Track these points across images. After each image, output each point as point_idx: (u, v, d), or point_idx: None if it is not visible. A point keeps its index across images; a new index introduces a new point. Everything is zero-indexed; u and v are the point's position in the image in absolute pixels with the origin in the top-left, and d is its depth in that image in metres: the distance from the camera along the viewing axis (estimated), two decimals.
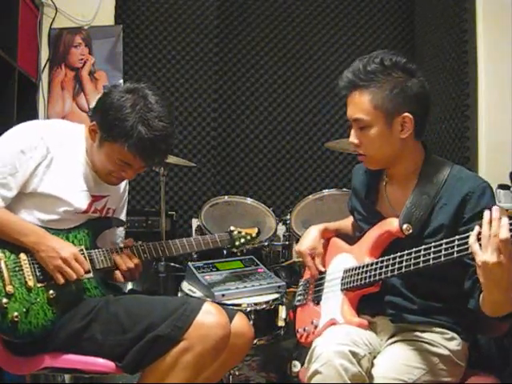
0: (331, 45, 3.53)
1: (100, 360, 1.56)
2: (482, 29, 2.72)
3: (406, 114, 1.45)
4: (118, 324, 1.55)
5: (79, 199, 1.68)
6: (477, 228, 1.20)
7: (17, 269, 1.54)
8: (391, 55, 1.47)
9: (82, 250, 1.65)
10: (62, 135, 1.70)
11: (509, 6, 2.66)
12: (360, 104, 1.46)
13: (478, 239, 1.19)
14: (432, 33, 3.24)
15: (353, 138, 1.52)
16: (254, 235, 2.09)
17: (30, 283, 1.53)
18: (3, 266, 1.51)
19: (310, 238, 1.74)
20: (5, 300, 1.48)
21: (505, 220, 1.15)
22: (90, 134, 1.67)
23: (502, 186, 2.46)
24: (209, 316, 1.55)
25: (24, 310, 1.50)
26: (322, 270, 1.71)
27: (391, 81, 1.44)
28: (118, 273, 1.75)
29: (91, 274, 1.64)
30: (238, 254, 2.38)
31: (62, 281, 1.55)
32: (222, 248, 2.36)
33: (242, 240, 2.05)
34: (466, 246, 1.22)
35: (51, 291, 1.55)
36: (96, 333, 1.56)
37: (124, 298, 1.68)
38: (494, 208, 1.18)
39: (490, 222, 1.17)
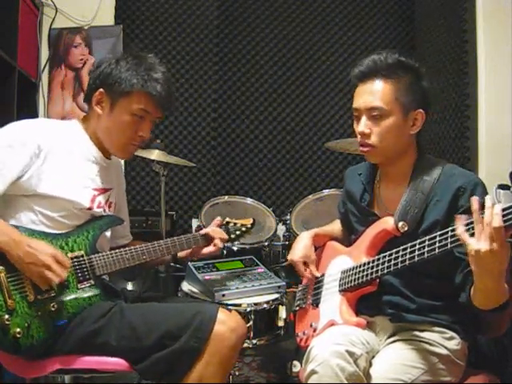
0: (331, 45, 3.52)
1: (112, 359, 1.55)
2: (482, 29, 2.71)
3: (420, 110, 1.51)
4: (132, 330, 1.54)
5: (81, 196, 1.64)
6: (463, 217, 1.20)
7: (17, 282, 1.48)
8: (405, 56, 1.53)
9: (82, 255, 1.61)
10: (56, 131, 1.65)
11: (509, 6, 2.65)
12: (381, 93, 1.49)
13: (467, 229, 1.18)
14: (432, 33, 3.24)
15: (363, 127, 1.52)
16: (248, 226, 2.06)
17: (31, 296, 1.49)
18: (3, 280, 1.46)
19: (301, 246, 1.73)
20: (7, 316, 1.43)
21: (497, 208, 1.13)
22: (98, 104, 1.67)
23: (502, 186, 2.45)
24: (223, 327, 1.54)
25: (26, 324, 1.46)
26: (318, 275, 1.71)
27: (409, 77, 1.50)
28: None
29: (92, 282, 1.61)
30: (235, 248, 2.33)
31: (45, 287, 1.50)
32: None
33: (238, 232, 2.02)
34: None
35: (52, 303, 1.52)
36: (109, 338, 1.54)
37: (138, 305, 1.67)
38: (487, 197, 1.17)
39: (481, 209, 1.16)
